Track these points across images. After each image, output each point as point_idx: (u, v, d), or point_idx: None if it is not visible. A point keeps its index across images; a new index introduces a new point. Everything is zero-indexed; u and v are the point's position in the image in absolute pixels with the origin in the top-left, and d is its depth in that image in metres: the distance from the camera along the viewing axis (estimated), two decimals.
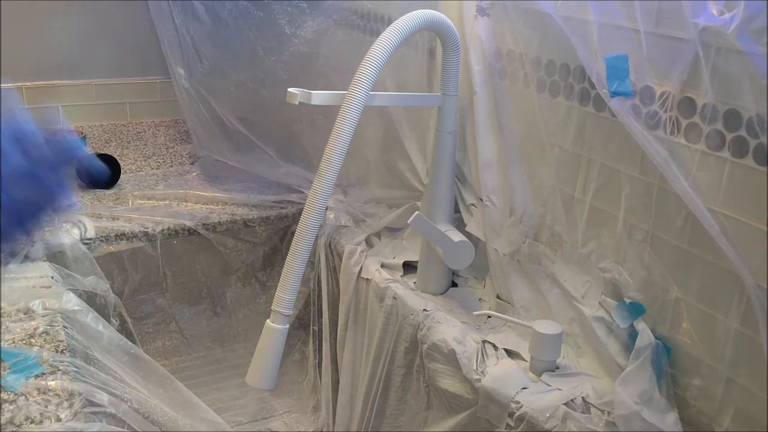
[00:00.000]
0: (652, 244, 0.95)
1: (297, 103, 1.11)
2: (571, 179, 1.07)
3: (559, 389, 1.00)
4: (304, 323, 1.68)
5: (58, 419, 0.93)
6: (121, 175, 1.78)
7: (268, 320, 1.05)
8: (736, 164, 0.81)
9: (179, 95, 1.88)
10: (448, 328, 1.15)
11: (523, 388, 1.00)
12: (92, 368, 1.07)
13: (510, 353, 1.10)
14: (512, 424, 0.98)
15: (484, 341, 1.11)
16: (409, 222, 1.15)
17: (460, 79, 1.20)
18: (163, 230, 1.57)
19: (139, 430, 1.06)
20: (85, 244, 1.47)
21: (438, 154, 1.23)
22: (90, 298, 1.37)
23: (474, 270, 1.34)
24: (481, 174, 1.21)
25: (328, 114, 1.12)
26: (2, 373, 0.99)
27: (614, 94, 0.91)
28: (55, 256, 1.40)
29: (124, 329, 1.50)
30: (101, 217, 1.56)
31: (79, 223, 1.50)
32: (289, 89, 1.11)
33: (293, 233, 1.05)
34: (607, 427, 0.92)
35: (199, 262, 1.64)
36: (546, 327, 1.04)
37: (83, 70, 2.00)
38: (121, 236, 1.52)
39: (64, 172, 0.74)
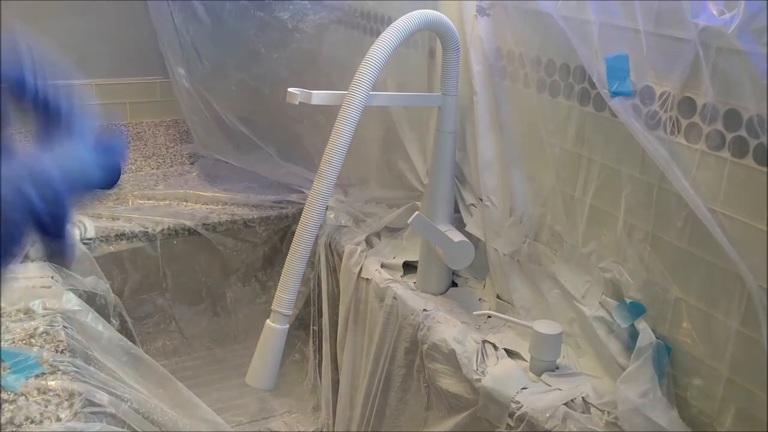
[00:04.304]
0: (652, 244, 0.95)
1: (297, 103, 1.11)
2: (571, 179, 1.07)
3: (559, 389, 1.00)
4: (304, 323, 1.68)
5: (58, 419, 0.93)
6: (121, 175, 1.77)
7: (268, 320, 1.05)
8: (736, 164, 0.81)
9: (179, 95, 1.88)
10: (448, 328, 1.15)
11: (523, 388, 1.00)
12: (92, 368, 1.07)
13: (510, 353, 1.10)
14: (512, 424, 0.98)
15: (484, 341, 1.10)
16: (409, 222, 1.15)
17: (460, 79, 1.20)
18: (163, 230, 1.57)
19: (139, 430, 1.06)
20: (85, 244, 1.47)
21: (438, 154, 1.23)
22: (90, 298, 1.37)
23: (474, 270, 1.33)
24: (481, 174, 1.21)
25: (329, 114, 1.12)
26: (2, 373, 0.99)
27: (615, 94, 0.91)
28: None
29: (124, 329, 1.50)
30: (101, 217, 1.56)
31: (79, 223, 1.50)
32: (289, 89, 1.11)
33: (293, 233, 1.05)
34: (607, 427, 0.92)
35: (199, 262, 1.64)
36: (546, 327, 1.04)
37: (83, 70, 1.99)
38: (121, 236, 1.52)
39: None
